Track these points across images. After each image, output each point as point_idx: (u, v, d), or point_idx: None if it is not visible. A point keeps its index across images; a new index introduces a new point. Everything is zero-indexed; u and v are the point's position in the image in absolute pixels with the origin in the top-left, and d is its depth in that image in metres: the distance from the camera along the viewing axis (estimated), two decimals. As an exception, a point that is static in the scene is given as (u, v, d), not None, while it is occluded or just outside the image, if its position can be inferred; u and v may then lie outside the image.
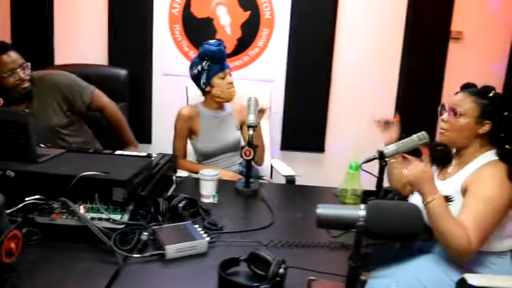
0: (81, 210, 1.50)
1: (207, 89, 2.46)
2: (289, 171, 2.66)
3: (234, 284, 1.24)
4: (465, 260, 1.61)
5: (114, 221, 1.50)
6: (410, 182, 1.66)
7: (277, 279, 1.21)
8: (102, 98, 2.55)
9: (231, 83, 2.46)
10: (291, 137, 3.50)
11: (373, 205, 0.92)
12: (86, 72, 2.72)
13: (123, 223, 1.51)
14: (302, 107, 3.43)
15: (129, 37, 3.32)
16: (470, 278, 1.56)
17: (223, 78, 2.43)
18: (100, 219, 1.50)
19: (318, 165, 3.56)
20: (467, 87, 1.82)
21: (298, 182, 2.62)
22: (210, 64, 2.41)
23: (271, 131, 3.01)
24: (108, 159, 1.90)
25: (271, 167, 2.86)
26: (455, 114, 1.75)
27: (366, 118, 3.37)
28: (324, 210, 0.95)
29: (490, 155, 1.73)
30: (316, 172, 3.49)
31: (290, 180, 2.57)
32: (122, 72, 2.98)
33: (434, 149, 1.93)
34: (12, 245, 1.21)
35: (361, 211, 0.91)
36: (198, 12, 3.28)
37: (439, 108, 1.84)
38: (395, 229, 0.90)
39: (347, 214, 0.92)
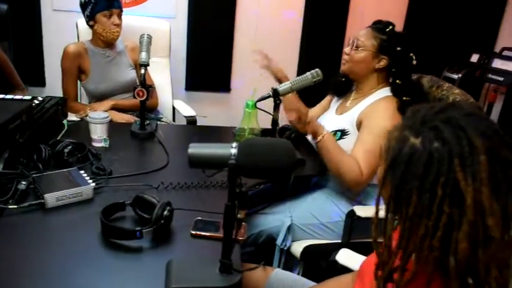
0: None
1: (90, 23, 2.29)
2: (190, 112, 2.59)
3: (115, 229, 1.19)
4: (359, 190, 1.69)
5: (-15, 171, 1.37)
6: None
7: (162, 221, 1.18)
8: None
9: (117, 24, 2.29)
10: (196, 77, 3.40)
11: (244, 143, 0.90)
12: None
13: (-4, 172, 1.38)
14: (206, 45, 3.33)
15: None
16: (359, 210, 1.64)
17: (108, 17, 2.26)
18: (-30, 169, 1.37)
19: (224, 105, 3.53)
20: (375, 23, 1.84)
21: (205, 122, 2.56)
22: None
23: (173, 70, 2.89)
24: (-17, 104, 1.72)
25: (173, 108, 2.77)
26: (354, 47, 1.78)
27: (271, 56, 3.35)
28: (195, 149, 0.91)
29: (385, 91, 1.79)
30: (222, 112, 3.46)
31: (191, 121, 2.51)
32: (2, 6, 2.67)
33: (333, 80, 1.98)
34: None
35: (232, 149, 0.88)
36: None
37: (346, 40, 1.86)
38: (266, 166, 0.88)
39: (219, 153, 0.89)
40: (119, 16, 2.31)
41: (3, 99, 1.78)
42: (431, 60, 3.40)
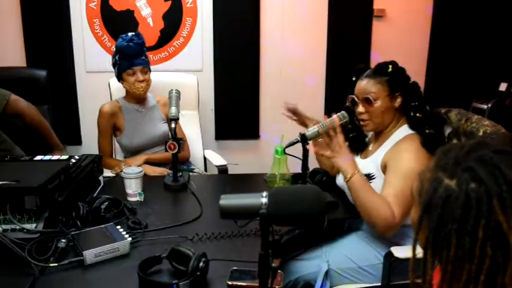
0: (-9, 223, 1.41)
1: (120, 82, 2.42)
2: (221, 161, 2.63)
3: (152, 283, 1.21)
4: (391, 234, 1.64)
5: (27, 231, 1.42)
6: (330, 160, 1.66)
7: (198, 273, 1.19)
8: (19, 104, 2.38)
9: (141, 80, 2.38)
10: (225, 126, 3.46)
11: (273, 191, 0.91)
12: (2, 76, 2.56)
13: (37, 232, 1.43)
14: (233, 95, 3.40)
15: (46, 35, 3.13)
16: (396, 251, 1.60)
17: (132, 74, 2.37)
18: (13, 230, 1.42)
19: (254, 152, 3.56)
20: (360, 71, 1.83)
21: (236, 170, 2.59)
22: (120, 58, 2.35)
23: (202, 121, 2.97)
24: (24, 166, 1.81)
25: (205, 158, 2.82)
26: (369, 102, 1.77)
27: (298, 101, 3.39)
28: (226, 201, 0.92)
29: (405, 129, 1.78)
30: (252, 159, 3.48)
31: (222, 170, 2.54)
32: (42, 73, 2.81)
33: (347, 137, 1.95)
34: None
35: (263, 199, 0.90)
36: (117, 4, 3.14)
37: (348, 103, 1.84)
38: (296, 213, 0.89)
39: (249, 203, 0.90)
40: (143, 72, 2.39)
41: (42, 160, 1.86)
42: (459, 92, 3.37)
